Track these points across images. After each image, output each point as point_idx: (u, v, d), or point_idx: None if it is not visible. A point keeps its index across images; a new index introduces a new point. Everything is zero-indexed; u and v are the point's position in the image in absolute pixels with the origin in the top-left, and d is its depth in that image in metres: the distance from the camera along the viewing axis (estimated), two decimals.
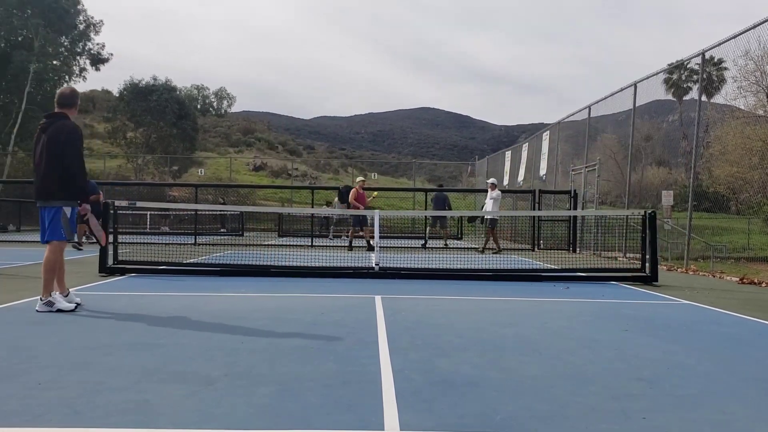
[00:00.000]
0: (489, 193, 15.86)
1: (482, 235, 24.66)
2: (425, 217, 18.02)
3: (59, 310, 5.46)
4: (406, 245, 16.68)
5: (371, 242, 15.39)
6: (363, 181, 16.21)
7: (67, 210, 5.63)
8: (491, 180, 16.52)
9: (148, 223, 26.41)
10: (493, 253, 14.64)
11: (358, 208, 15.03)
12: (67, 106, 5.73)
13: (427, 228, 18.44)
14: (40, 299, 5.53)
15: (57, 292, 5.67)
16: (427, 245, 16.81)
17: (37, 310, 5.47)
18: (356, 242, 16.03)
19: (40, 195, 5.58)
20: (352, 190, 15.99)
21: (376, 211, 10.49)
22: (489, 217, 15.31)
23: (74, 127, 5.64)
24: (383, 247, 11.05)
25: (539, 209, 17.83)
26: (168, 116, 41.66)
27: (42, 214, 5.64)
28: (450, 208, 19.44)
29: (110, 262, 8.85)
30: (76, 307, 5.59)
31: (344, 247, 15.32)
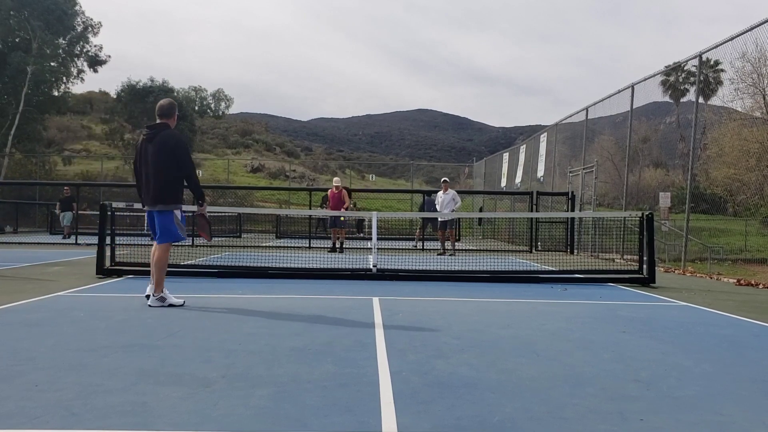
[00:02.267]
0: (443, 194, 14.75)
1: (480, 237, 24.71)
2: (422, 219, 17.97)
3: (170, 305, 5.92)
4: (403, 247, 16.67)
5: (337, 244, 15.39)
6: (337, 184, 15.76)
7: (177, 212, 6.06)
8: (445, 178, 15.45)
9: (145, 224, 26.35)
10: (438, 254, 14.63)
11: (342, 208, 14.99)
12: (167, 116, 6.12)
13: (418, 231, 18.23)
14: (153, 295, 5.96)
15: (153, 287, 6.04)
16: (421, 247, 16.73)
17: (149, 305, 5.91)
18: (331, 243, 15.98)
19: (153, 200, 5.98)
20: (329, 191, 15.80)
21: (374, 212, 10.49)
22: (447, 219, 14.82)
23: (179, 134, 6.18)
24: (381, 248, 11.04)
25: (537, 211, 17.84)
26: None
27: (152, 217, 6.10)
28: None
29: (107, 263, 8.84)
30: (184, 303, 6.01)
31: (344, 248, 15.26)
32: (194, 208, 6.46)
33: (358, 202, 27.73)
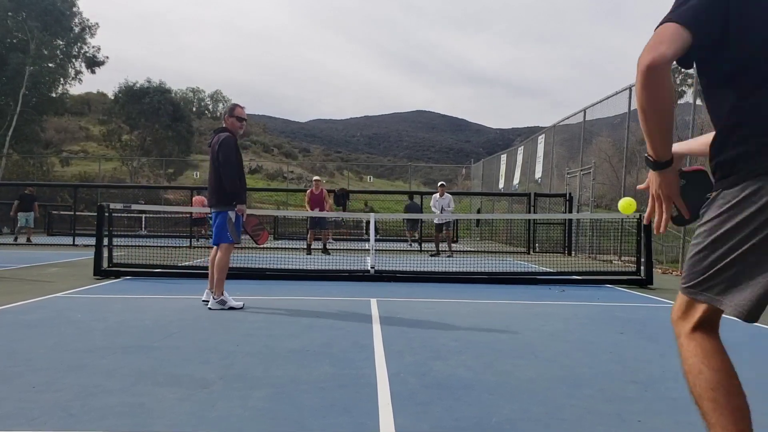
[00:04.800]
0: (439, 198, 14.85)
1: (478, 238, 24.72)
2: (417, 220, 18.21)
3: (231, 308, 5.93)
4: (401, 248, 16.68)
5: (327, 245, 15.25)
6: (317, 181, 15.41)
7: (232, 214, 6.15)
8: (442, 182, 15.45)
9: (143, 225, 26.34)
10: (431, 255, 14.75)
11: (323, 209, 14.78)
12: (223, 118, 6.44)
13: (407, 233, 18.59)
14: (213, 297, 5.99)
15: (209, 290, 6.21)
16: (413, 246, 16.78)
17: (209, 308, 5.91)
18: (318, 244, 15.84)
19: (209, 202, 6.29)
20: (308, 191, 15.37)
21: (372, 214, 10.49)
22: (444, 220, 14.86)
23: (226, 137, 6.20)
24: (379, 250, 11.04)
25: (535, 212, 17.84)
26: (162, 118, 41.60)
27: (213, 218, 6.29)
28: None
29: (105, 264, 8.83)
30: (243, 306, 6.05)
31: (337, 249, 15.20)
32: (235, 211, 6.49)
33: (353, 204, 27.78)
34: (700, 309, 1.87)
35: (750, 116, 1.72)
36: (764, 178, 1.67)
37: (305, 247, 15.17)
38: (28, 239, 18.88)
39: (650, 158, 1.86)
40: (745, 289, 1.74)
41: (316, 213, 14.33)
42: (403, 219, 18.92)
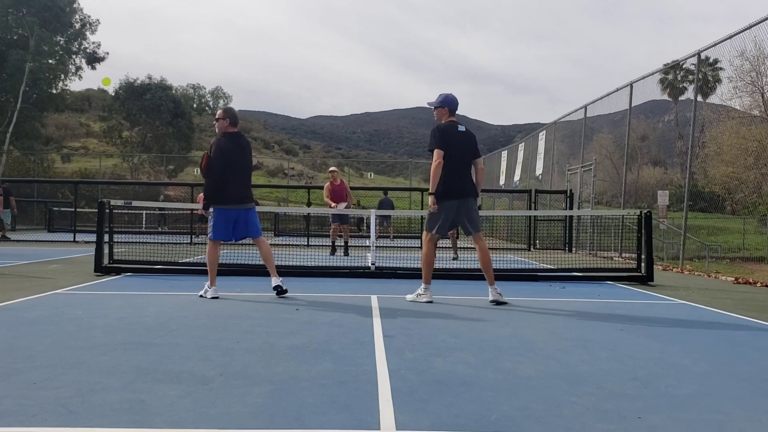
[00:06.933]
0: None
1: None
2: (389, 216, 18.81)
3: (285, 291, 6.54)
4: (402, 245, 16.67)
5: (339, 242, 13.95)
6: (333, 172, 13.68)
7: None
8: None
9: (144, 222, 26.36)
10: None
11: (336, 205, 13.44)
12: (237, 124, 6.74)
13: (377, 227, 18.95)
14: (276, 278, 6.55)
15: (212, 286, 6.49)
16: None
17: (281, 290, 6.52)
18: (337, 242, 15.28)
19: (248, 199, 6.56)
20: (326, 185, 13.69)
21: (372, 210, 10.47)
22: None
23: None
24: (379, 246, 11.02)
25: (535, 209, 17.84)
26: (163, 115, 41.58)
27: (244, 215, 6.51)
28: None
29: (106, 261, 8.83)
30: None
31: (339, 247, 14.95)
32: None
33: (359, 201, 27.78)
34: (429, 235, 6.47)
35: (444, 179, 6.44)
36: (445, 201, 6.42)
37: (329, 245, 14.09)
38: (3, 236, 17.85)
39: (431, 193, 6.39)
40: (438, 228, 6.38)
41: (316, 210, 14.29)
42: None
